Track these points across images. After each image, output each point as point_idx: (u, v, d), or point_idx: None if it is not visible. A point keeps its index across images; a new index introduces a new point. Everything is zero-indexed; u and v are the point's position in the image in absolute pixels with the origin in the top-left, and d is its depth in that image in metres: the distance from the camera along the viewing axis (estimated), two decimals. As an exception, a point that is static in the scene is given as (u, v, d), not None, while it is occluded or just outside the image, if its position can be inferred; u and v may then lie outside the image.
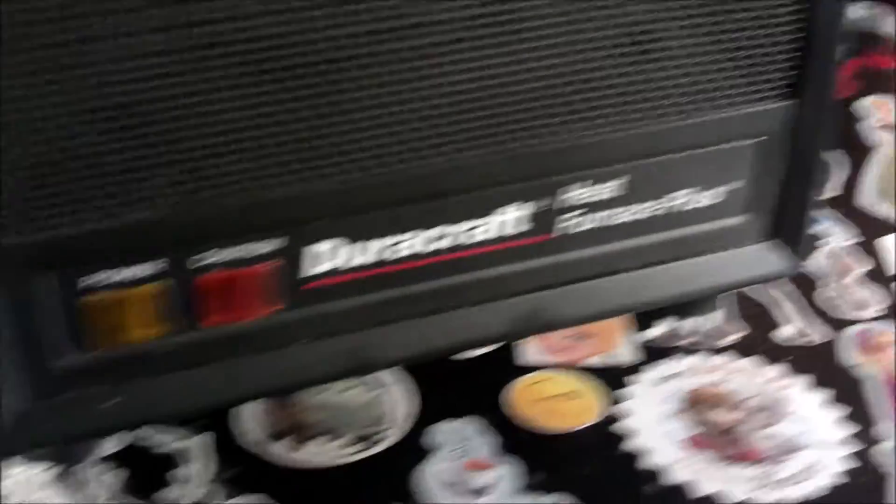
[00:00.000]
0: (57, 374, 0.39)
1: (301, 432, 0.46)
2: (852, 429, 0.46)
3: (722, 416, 0.47)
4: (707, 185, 0.44)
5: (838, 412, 0.47)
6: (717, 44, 0.41)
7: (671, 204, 0.44)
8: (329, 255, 0.40)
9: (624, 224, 0.44)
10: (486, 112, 0.39)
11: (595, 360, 0.49)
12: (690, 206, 0.44)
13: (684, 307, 0.50)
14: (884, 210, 0.59)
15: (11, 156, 0.34)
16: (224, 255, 0.38)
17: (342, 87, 0.36)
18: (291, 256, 0.39)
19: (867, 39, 0.75)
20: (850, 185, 0.61)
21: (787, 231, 0.46)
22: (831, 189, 0.60)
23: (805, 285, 0.54)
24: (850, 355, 0.50)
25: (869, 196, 0.60)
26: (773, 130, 0.43)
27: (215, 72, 0.35)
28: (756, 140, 0.44)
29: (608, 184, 0.42)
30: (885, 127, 0.65)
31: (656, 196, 0.44)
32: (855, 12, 0.84)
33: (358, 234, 0.40)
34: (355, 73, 0.36)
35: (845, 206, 0.60)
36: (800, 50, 0.42)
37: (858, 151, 0.63)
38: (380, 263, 0.41)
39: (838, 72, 0.44)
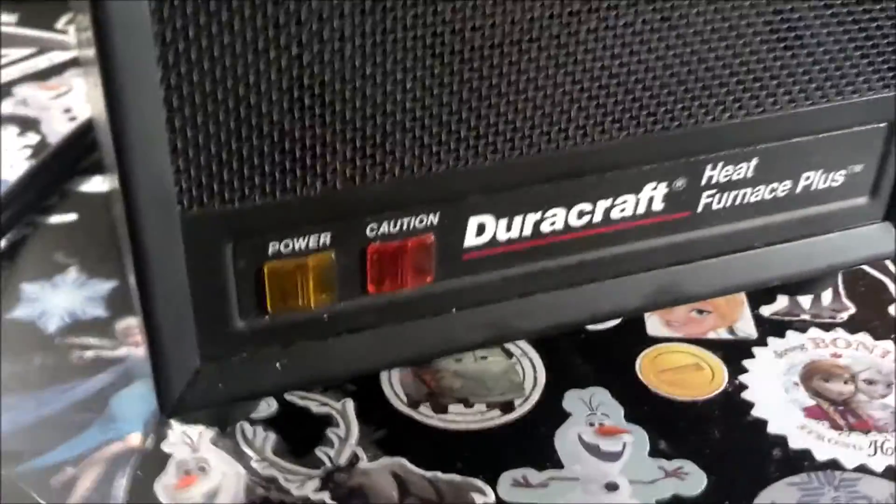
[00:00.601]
0: (228, 337, 0.42)
1: (441, 398, 0.49)
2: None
3: (838, 388, 0.49)
4: (833, 168, 0.47)
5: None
6: (847, 33, 0.43)
7: (799, 184, 0.46)
8: (482, 229, 0.43)
9: (756, 202, 0.46)
10: (631, 96, 0.41)
11: (718, 334, 0.52)
12: (817, 187, 0.47)
13: (801, 284, 0.52)
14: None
15: (200, 130, 0.37)
16: (392, 227, 0.41)
17: (502, 70, 0.39)
18: (449, 229, 0.42)
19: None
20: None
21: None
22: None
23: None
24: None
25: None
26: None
27: (393, 55, 0.37)
28: (879, 125, 0.46)
29: (744, 164, 0.45)
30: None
31: (786, 177, 0.46)
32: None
33: (510, 210, 0.43)
34: (516, 57, 0.39)
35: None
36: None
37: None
38: (528, 237, 0.44)
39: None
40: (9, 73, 0.71)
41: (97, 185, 0.60)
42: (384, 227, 0.41)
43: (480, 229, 0.43)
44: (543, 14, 0.38)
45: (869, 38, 0.43)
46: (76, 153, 0.61)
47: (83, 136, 0.61)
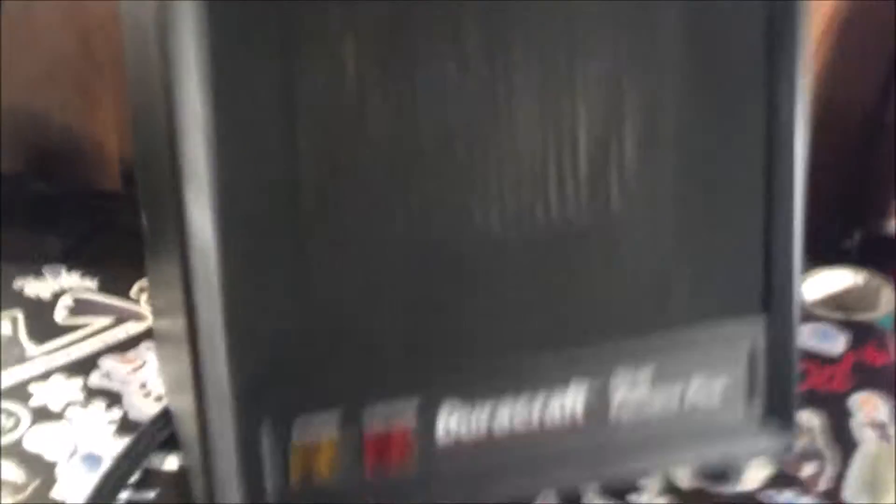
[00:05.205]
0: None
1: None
2: None
3: None
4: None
5: None
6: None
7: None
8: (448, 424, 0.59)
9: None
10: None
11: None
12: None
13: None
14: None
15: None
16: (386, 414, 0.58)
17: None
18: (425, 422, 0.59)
19: (864, 332, 0.94)
20: (839, 478, 0.79)
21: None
22: (823, 481, 0.78)
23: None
24: None
25: (852, 488, 0.78)
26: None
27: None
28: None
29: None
30: (870, 424, 0.83)
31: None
32: (842, 277, 1.03)
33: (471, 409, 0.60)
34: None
35: (832, 498, 0.78)
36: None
37: (848, 446, 0.81)
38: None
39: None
40: (92, 345, 0.85)
41: (172, 463, 0.75)
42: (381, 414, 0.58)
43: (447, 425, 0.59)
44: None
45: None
46: (155, 436, 0.76)
47: (162, 419, 0.76)
